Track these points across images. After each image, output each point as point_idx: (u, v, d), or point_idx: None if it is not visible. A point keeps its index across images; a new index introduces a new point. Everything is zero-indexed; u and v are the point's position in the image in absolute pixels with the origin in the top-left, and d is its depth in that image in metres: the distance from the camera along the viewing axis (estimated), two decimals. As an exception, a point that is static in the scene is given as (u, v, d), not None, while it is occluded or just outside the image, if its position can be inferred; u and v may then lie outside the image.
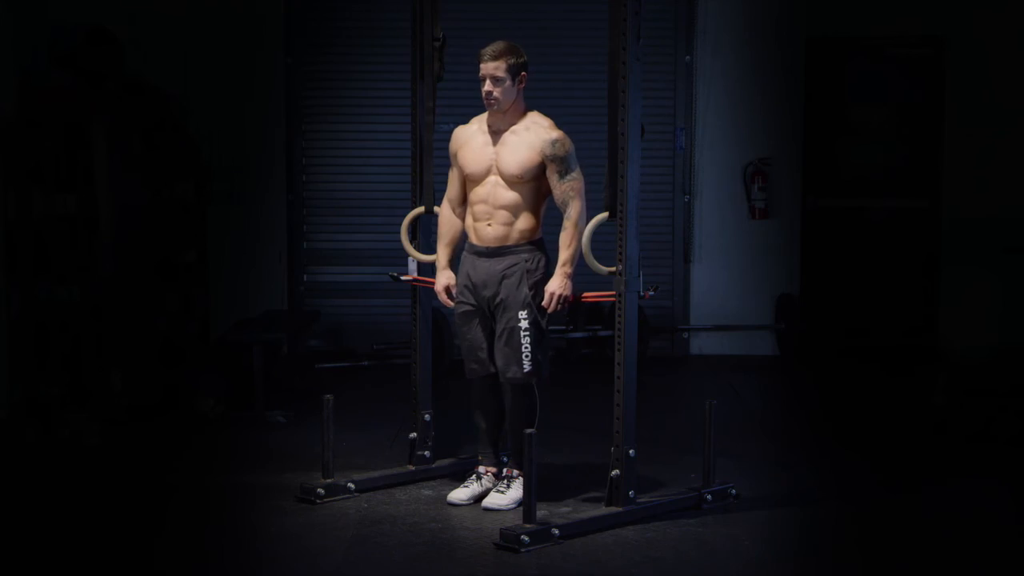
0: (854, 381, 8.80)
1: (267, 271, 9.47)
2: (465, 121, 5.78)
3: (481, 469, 5.72)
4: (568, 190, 5.44)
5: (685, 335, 9.68)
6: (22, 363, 7.25)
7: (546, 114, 5.67)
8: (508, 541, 5.05)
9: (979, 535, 5.37)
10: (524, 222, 5.53)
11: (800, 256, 9.60)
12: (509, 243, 5.53)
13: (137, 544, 5.20)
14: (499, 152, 5.53)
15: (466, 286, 5.63)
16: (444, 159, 5.82)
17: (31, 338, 7.28)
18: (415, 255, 5.99)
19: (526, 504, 5.14)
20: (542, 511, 5.25)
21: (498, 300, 5.52)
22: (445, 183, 5.80)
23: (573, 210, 5.44)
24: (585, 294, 5.61)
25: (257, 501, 5.73)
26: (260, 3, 9.36)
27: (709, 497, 5.63)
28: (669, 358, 9.46)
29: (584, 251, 5.46)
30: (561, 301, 5.43)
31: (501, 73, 5.47)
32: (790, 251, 9.60)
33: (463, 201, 5.70)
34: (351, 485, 5.74)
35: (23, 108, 7.38)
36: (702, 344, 9.69)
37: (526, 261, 5.52)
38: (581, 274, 5.58)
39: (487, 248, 5.55)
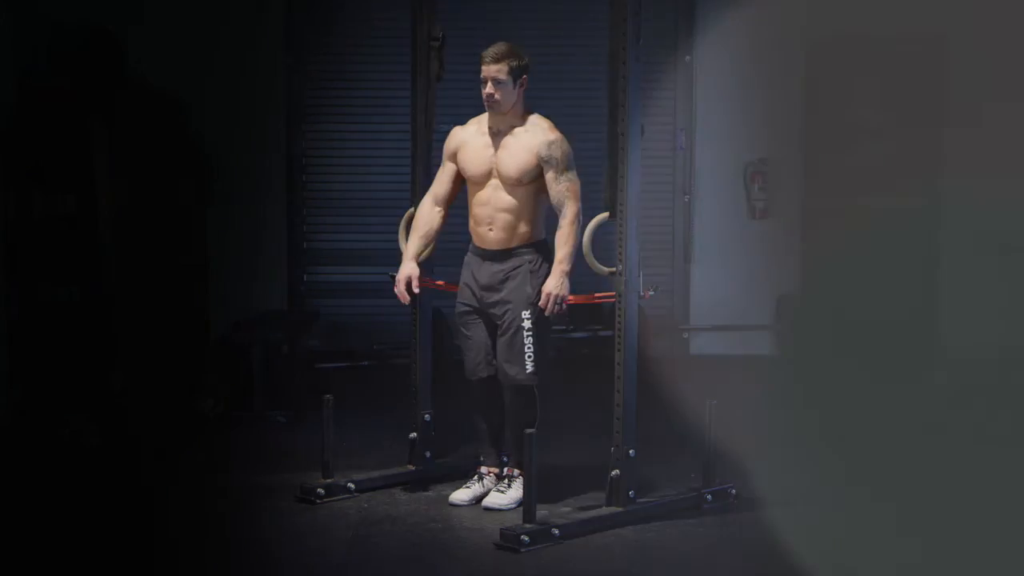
0: (853, 381, 8.78)
1: (267, 271, 9.46)
2: (463, 122, 5.78)
3: (483, 470, 5.72)
4: (564, 191, 5.43)
5: (685, 335, 9.67)
6: (22, 363, 7.25)
7: (546, 115, 5.66)
8: (508, 541, 5.05)
9: (978, 535, 5.36)
10: (526, 224, 5.52)
11: (800, 256, 9.59)
12: (512, 245, 5.53)
13: (137, 544, 5.20)
14: (499, 155, 5.53)
15: (468, 286, 5.62)
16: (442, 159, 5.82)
17: (31, 338, 7.28)
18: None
19: (526, 504, 5.14)
20: (542, 511, 5.25)
21: (501, 301, 5.52)
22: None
23: (569, 210, 5.42)
24: (569, 297, 5.50)
25: (257, 501, 5.73)
26: (260, 3, 9.36)
27: (709, 497, 5.63)
28: (669, 358, 9.44)
29: (584, 251, 5.46)
30: (558, 302, 5.38)
31: (503, 76, 5.47)
32: (790, 251, 9.60)
33: (448, 201, 5.69)
34: (351, 485, 5.74)
35: (23, 108, 7.37)
36: (702, 344, 9.68)
37: (529, 262, 5.52)
38: (580, 274, 5.58)
39: (490, 251, 5.55)
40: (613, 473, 5.39)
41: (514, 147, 5.50)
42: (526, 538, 5.03)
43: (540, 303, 5.39)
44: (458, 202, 5.81)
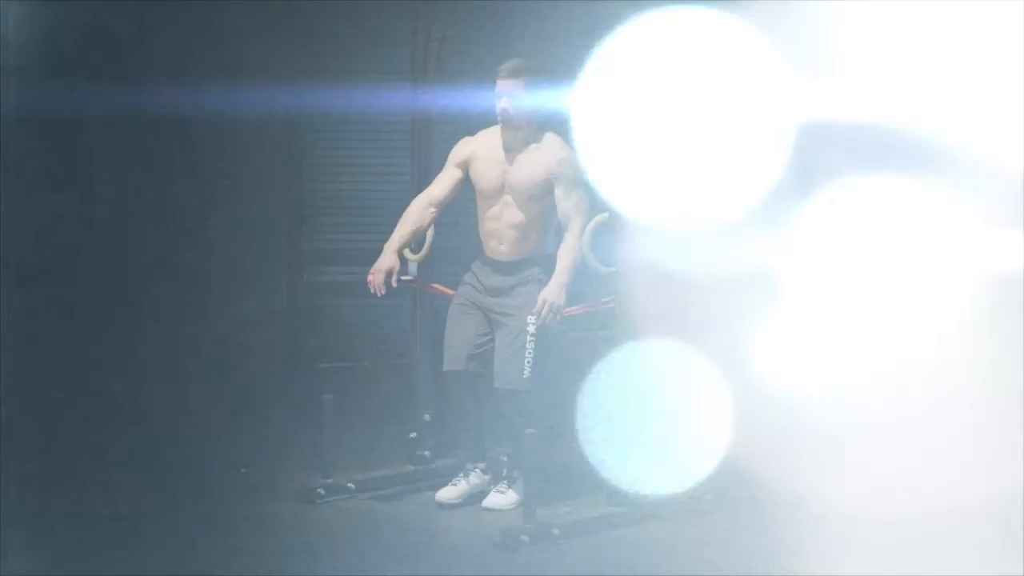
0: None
1: (267, 271, 9.46)
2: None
3: (469, 465, 5.68)
4: (572, 207, 5.42)
5: (685, 335, 9.66)
6: (22, 363, 7.24)
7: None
8: (508, 541, 5.05)
9: (979, 535, 5.36)
10: (537, 238, 5.53)
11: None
12: (522, 257, 5.51)
13: (137, 544, 5.19)
14: (511, 171, 5.54)
15: (472, 286, 5.61)
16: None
17: (31, 338, 7.27)
18: (409, 256, 5.99)
19: (526, 504, 5.14)
20: (542, 511, 5.25)
21: (507, 305, 5.49)
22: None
23: (576, 225, 5.41)
24: (566, 310, 5.52)
25: (257, 501, 5.72)
26: (259, 3, 9.35)
27: (709, 497, 5.63)
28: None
29: (584, 251, 5.46)
30: (554, 310, 5.32)
31: (518, 91, 5.46)
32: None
33: (443, 204, 5.69)
34: (351, 485, 5.74)
35: (23, 108, 7.37)
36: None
37: (539, 271, 5.50)
38: (580, 273, 5.58)
39: (500, 262, 5.56)
40: (613, 473, 5.39)
41: (527, 164, 5.51)
42: (526, 538, 5.02)
43: (535, 309, 5.34)
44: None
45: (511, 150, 5.56)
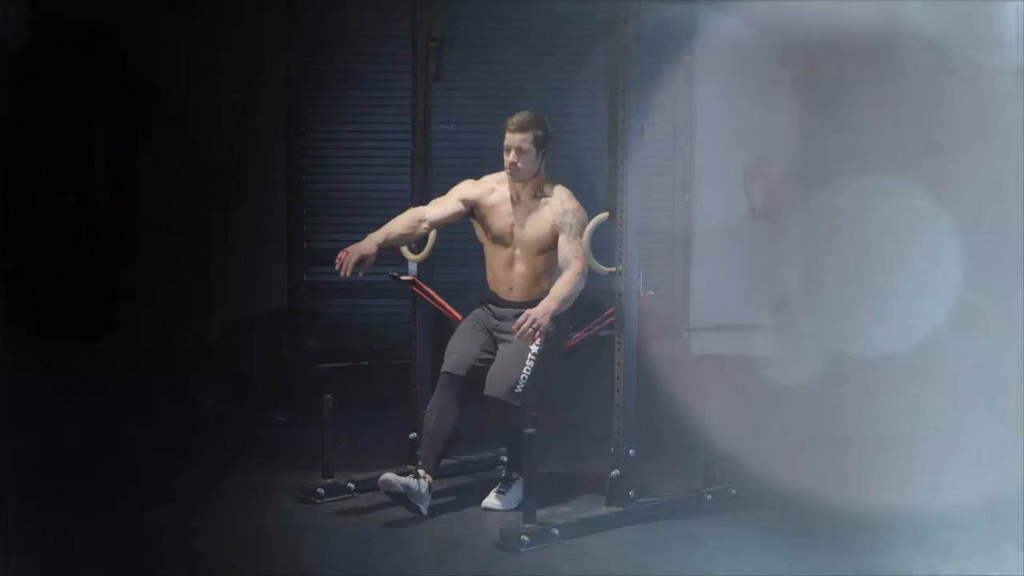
0: (853, 381, 8.78)
1: (267, 271, 9.46)
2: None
3: (421, 472, 5.49)
4: (573, 252, 5.45)
5: (685, 335, 9.67)
6: (23, 363, 7.24)
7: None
8: (508, 541, 5.05)
9: (977, 535, 5.36)
10: (545, 282, 5.57)
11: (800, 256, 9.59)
12: (530, 298, 5.57)
13: (137, 544, 5.20)
14: (518, 224, 5.59)
15: (486, 307, 5.61)
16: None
17: (31, 338, 7.27)
18: (409, 256, 5.99)
19: (526, 504, 5.14)
20: (542, 511, 5.25)
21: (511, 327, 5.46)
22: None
23: (575, 266, 5.42)
24: (573, 340, 5.59)
25: (257, 501, 5.73)
26: (260, 3, 9.36)
27: (709, 497, 5.63)
28: (669, 358, 9.44)
29: (584, 251, 5.48)
30: (534, 326, 5.23)
31: (527, 145, 5.53)
32: (790, 251, 9.59)
33: (437, 227, 5.71)
34: (351, 485, 5.74)
35: (23, 108, 7.37)
36: (702, 344, 9.68)
37: None
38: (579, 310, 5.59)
39: (508, 301, 5.62)
40: (613, 473, 5.40)
41: (533, 219, 5.56)
42: (526, 538, 5.03)
43: (518, 320, 5.29)
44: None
45: (519, 203, 5.62)
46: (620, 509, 5.38)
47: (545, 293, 5.48)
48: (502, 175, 5.64)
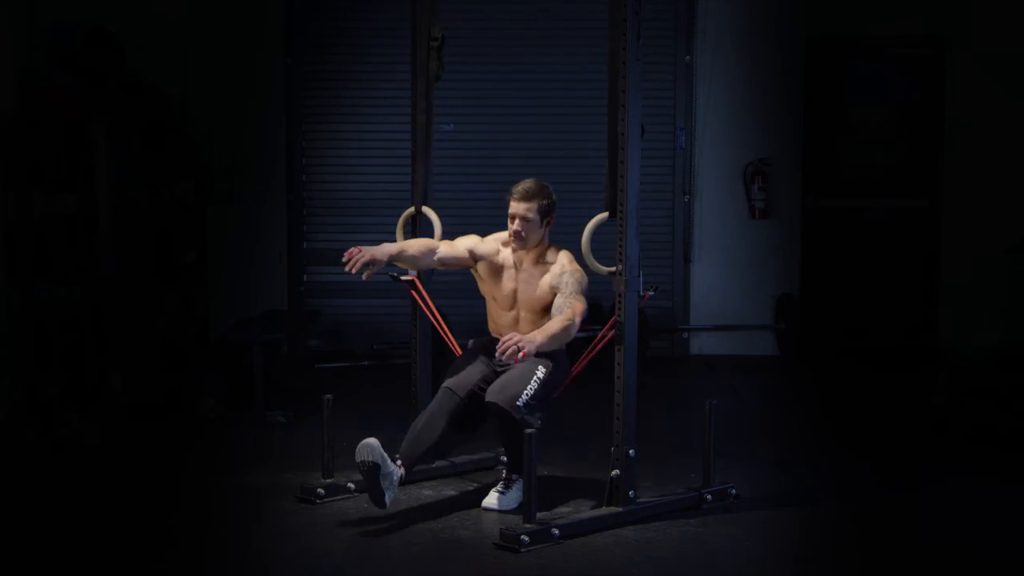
0: (854, 381, 8.80)
1: (267, 271, 9.47)
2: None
3: (399, 461, 5.45)
4: (566, 305, 5.46)
5: (685, 335, 9.68)
6: (22, 363, 7.25)
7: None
8: (508, 541, 5.05)
9: (979, 535, 5.37)
10: None
11: (800, 256, 9.61)
12: None
13: (137, 544, 5.20)
14: (521, 291, 5.63)
15: (491, 342, 5.59)
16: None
17: (31, 338, 7.28)
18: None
19: (526, 504, 5.14)
20: (542, 511, 5.25)
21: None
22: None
23: (568, 313, 5.42)
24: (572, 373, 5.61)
25: (257, 501, 5.73)
26: (260, 3, 9.37)
27: (709, 497, 5.63)
28: (669, 358, 9.47)
29: (584, 251, 5.48)
30: (517, 349, 5.19)
31: (531, 215, 5.56)
32: (790, 251, 9.61)
33: (444, 265, 5.72)
34: (351, 485, 5.74)
35: (23, 108, 7.37)
36: (702, 344, 9.69)
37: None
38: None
39: None
40: (613, 473, 5.39)
41: (535, 284, 5.59)
42: (526, 538, 5.03)
43: (503, 340, 5.27)
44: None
45: (524, 268, 5.65)
46: (620, 509, 5.38)
47: None
48: (507, 235, 5.66)
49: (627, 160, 5.32)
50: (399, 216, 6.10)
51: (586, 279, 5.56)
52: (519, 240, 5.58)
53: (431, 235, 5.96)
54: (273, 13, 9.40)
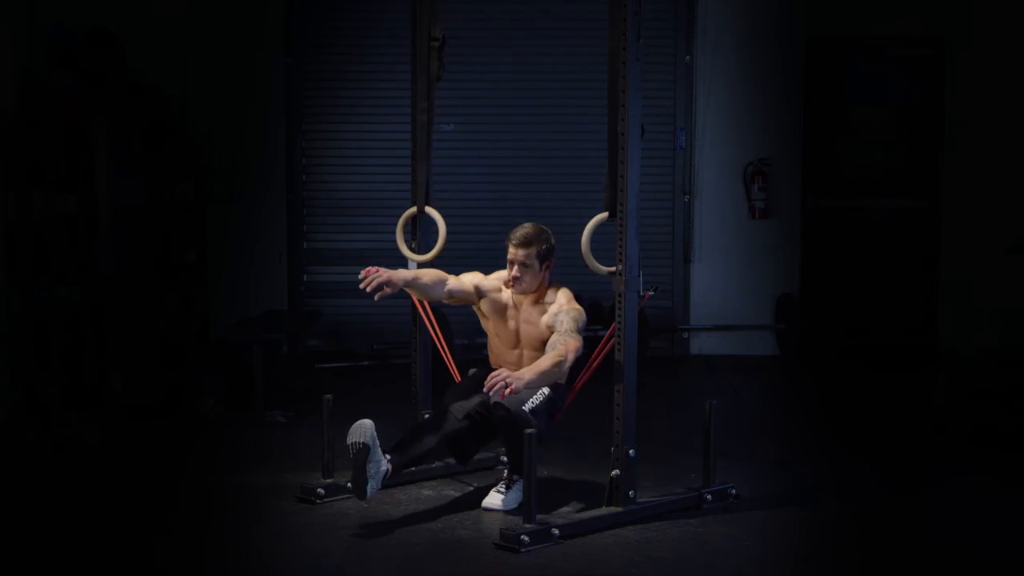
0: (854, 381, 8.80)
1: (267, 271, 9.47)
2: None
3: (388, 456, 5.43)
4: (561, 342, 5.46)
5: (685, 335, 9.68)
6: (22, 363, 7.25)
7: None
8: (508, 541, 5.05)
9: (978, 535, 5.37)
10: None
11: (800, 256, 9.61)
12: None
13: (137, 544, 5.20)
14: (523, 328, 5.66)
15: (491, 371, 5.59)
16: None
17: (31, 338, 7.28)
18: (410, 256, 5.99)
19: (526, 504, 5.14)
20: (542, 512, 5.25)
21: None
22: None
23: (560, 350, 5.41)
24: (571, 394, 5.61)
25: (257, 501, 5.73)
26: (260, 3, 9.37)
27: (709, 497, 5.63)
28: (669, 358, 9.47)
29: (584, 251, 5.48)
30: (504, 385, 5.18)
31: (530, 260, 5.58)
32: (790, 251, 9.61)
33: (451, 298, 5.73)
34: (351, 485, 5.73)
35: (23, 108, 7.38)
36: (702, 344, 9.69)
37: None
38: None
39: None
40: (613, 473, 5.39)
41: (535, 324, 5.61)
42: (526, 538, 5.03)
43: (491, 376, 5.25)
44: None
45: (524, 308, 5.67)
46: (620, 509, 5.37)
47: None
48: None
49: (627, 160, 5.32)
50: (399, 216, 6.09)
51: (584, 317, 5.57)
52: (517, 285, 5.60)
53: (435, 235, 5.94)
54: (273, 13, 9.40)
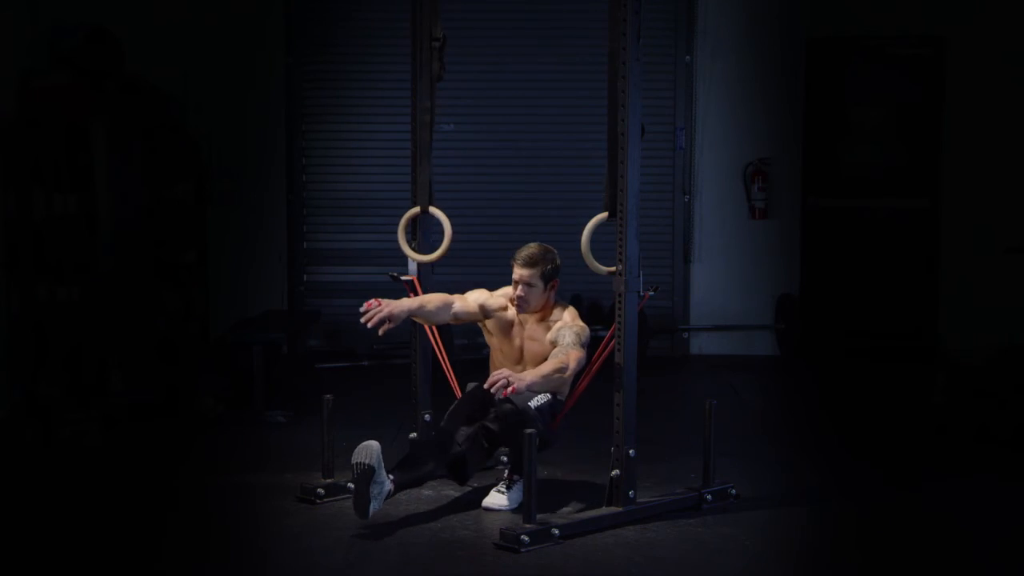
0: (854, 381, 8.80)
1: (267, 271, 9.47)
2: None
3: (391, 476, 5.36)
4: (563, 351, 5.47)
5: (685, 335, 9.68)
6: (22, 363, 7.25)
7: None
8: (508, 541, 5.05)
9: (979, 535, 5.37)
10: None
11: (800, 256, 9.61)
12: None
13: (137, 544, 5.20)
14: (527, 345, 5.66)
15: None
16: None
17: (31, 338, 7.28)
18: (413, 256, 5.99)
19: (526, 504, 5.14)
20: (542, 512, 5.25)
21: None
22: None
23: (562, 358, 5.43)
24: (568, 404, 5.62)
25: (257, 501, 5.73)
26: (260, 3, 9.37)
27: (709, 497, 5.63)
28: (669, 358, 9.47)
29: (584, 251, 5.48)
30: (505, 384, 5.20)
31: (534, 280, 5.58)
32: (790, 251, 9.61)
33: (457, 320, 5.73)
34: (351, 485, 5.73)
35: (23, 108, 7.38)
36: (702, 344, 9.69)
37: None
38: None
39: None
40: (613, 473, 5.39)
41: (540, 341, 5.62)
42: (526, 538, 5.02)
43: (494, 374, 5.28)
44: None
45: (528, 326, 5.67)
46: (620, 509, 5.38)
47: None
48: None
49: (627, 160, 5.32)
50: (399, 216, 6.08)
51: (587, 333, 5.58)
52: (522, 306, 5.61)
53: (437, 235, 5.94)
54: (273, 13, 9.40)
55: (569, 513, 5.42)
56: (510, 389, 5.21)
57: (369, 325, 5.37)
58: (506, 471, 5.70)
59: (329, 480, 5.72)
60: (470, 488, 5.85)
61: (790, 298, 9.49)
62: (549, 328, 5.62)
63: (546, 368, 5.40)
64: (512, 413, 5.41)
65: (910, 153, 9.54)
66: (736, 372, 9.01)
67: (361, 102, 9.53)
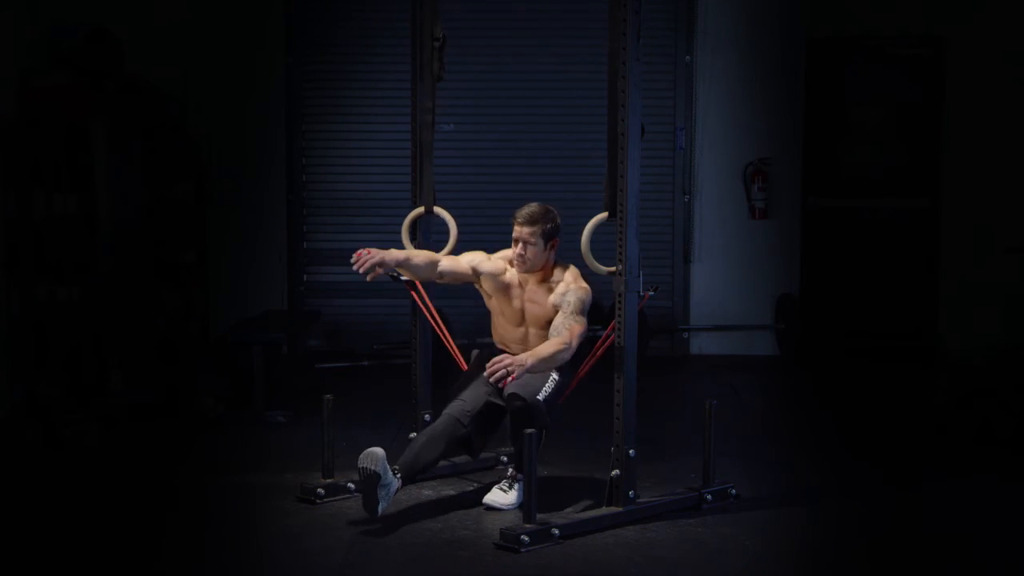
0: (854, 381, 8.80)
1: (267, 271, 9.47)
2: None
3: (398, 473, 5.39)
4: (565, 325, 5.46)
5: (685, 335, 9.68)
6: (22, 363, 7.26)
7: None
8: (508, 541, 5.05)
9: (979, 535, 5.37)
10: None
11: (800, 256, 9.61)
12: None
13: (138, 544, 5.20)
14: (528, 308, 5.63)
15: (496, 354, 5.55)
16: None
17: (31, 338, 7.28)
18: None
19: (526, 504, 5.14)
20: (542, 511, 5.25)
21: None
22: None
23: (563, 336, 5.43)
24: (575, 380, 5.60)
25: (257, 501, 5.73)
26: (261, 3, 9.37)
27: (709, 497, 5.63)
28: (669, 358, 9.46)
29: (584, 251, 5.48)
30: (507, 372, 5.22)
31: (534, 239, 5.55)
32: (790, 251, 9.61)
33: (443, 276, 5.72)
34: (351, 485, 5.74)
35: (23, 108, 7.38)
36: (702, 344, 9.69)
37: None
38: (582, 273, 5.60)
39: None
40: (613, 473, 5.39)
41: (541, 303, 5.59)
42: (526, 538, 5.03)
43: (492, 362, 5.28)
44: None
45: (529, 287, 5.65)
46: (620, 509, 5.38)
47: None
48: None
49: (627, 160, 5.32)
50: (399, 216, 6.09)
51: (590, 296, 5.56)
52: (521, 264, 5.58)
53: (439, 235, 5.94)
54: (273, 13, 9.40)
55: (569, 513, 5.42)
56: (510, 378, 5.22)
57: (361, 271, 5.44)
58: (510, 469, 5.70)
59: (329, 480, 5.72)
60: (471, 488, 5.85)
61: (790, 298, 9.49)
62: (551, 290, 5.58)
63: (546, 351, 5.38)
64: (522, 410, 5.41)
65: (910, 153, 9.54)
66: (736, 372, 9.01)
67: (361, 102, 9.53)
